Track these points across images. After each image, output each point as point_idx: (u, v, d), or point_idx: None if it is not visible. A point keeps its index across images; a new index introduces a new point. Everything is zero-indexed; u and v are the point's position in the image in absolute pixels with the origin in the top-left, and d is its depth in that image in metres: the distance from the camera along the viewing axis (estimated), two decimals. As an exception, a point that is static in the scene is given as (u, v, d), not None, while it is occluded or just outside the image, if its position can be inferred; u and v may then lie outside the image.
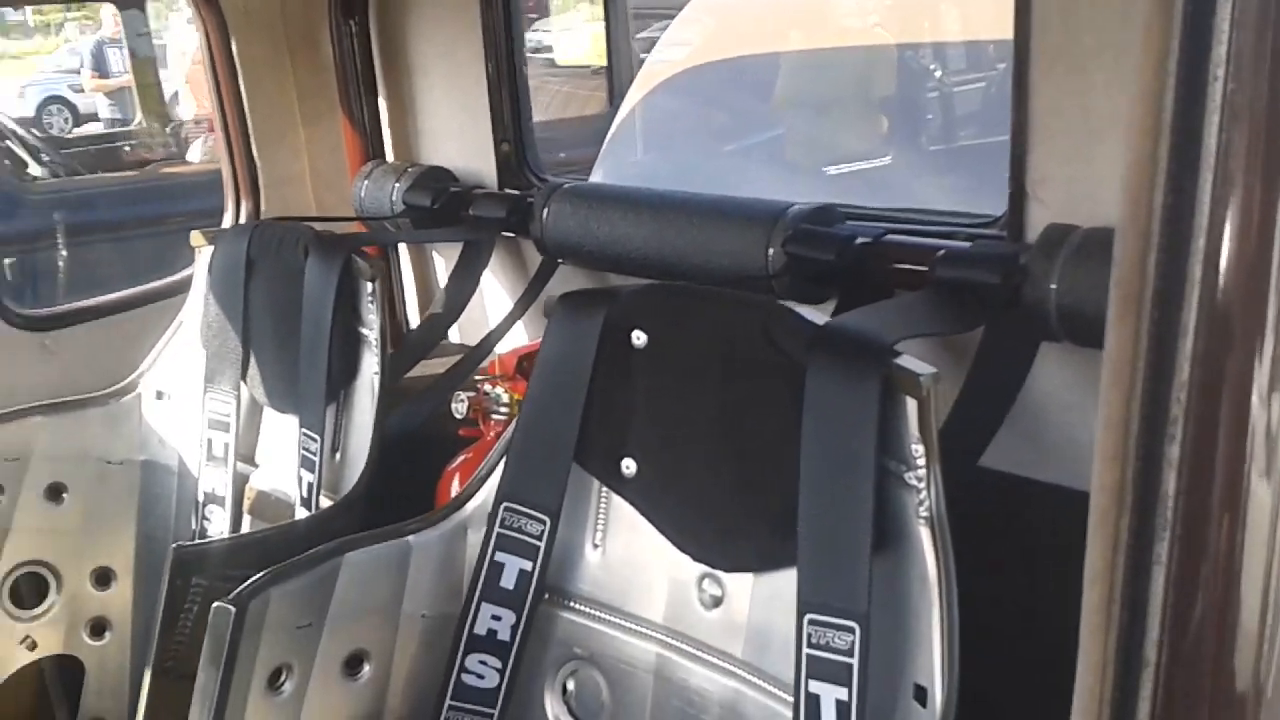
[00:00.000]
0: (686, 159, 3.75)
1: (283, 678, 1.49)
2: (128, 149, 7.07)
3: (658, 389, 1.46)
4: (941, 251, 1.55)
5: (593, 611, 1.56)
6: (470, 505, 1.60)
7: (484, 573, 1.55)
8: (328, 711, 1.54)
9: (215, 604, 1.39)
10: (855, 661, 1.21)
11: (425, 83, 2.46)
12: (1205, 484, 0.67)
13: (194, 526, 2.20)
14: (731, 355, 1.37)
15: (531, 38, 7.41)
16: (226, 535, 2.12)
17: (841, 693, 1.22)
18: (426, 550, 1.60)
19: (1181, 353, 0.64)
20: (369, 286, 1.88)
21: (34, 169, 5.76)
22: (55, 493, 2.23)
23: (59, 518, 2.23)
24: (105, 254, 4.37)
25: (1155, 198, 0.64)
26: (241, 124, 2.55)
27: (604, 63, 5.84)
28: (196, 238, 2.21)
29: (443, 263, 2.55)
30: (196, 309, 2.20)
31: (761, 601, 1.40)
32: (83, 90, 11.49)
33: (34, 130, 9.49)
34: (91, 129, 9.16)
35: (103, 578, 2.28)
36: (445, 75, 2.41)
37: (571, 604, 1.58)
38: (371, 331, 1.89)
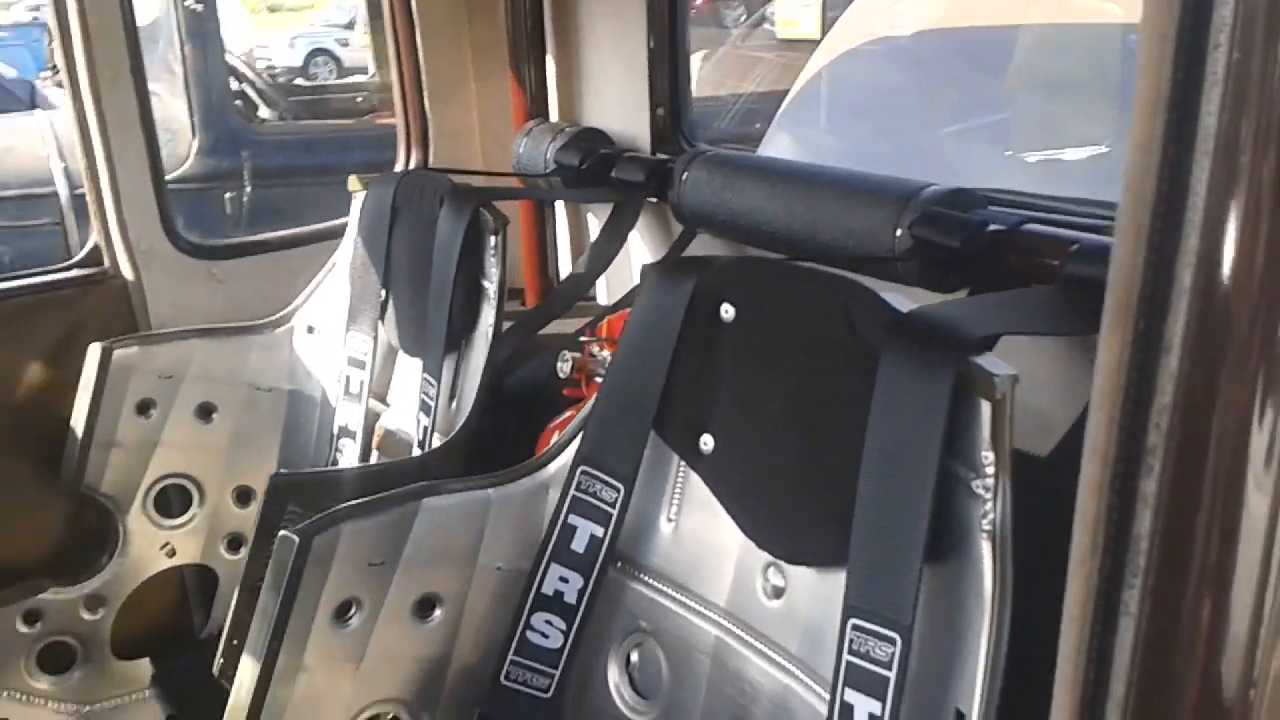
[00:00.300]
0: (878, 136, 3.59)
1: (351, 611, 1.51)
2: (358, 99, 7.42)
3: (741, 365, 1.41)
4: (1075, 245, 1.43)
5: (660, 586, 1.53)
6: (553, 466, 1.59)
7: (556, 534, 1.54)
8: (395, 649, 1.56)
9: (281, 533, 1.43)
10: (893, 676, 1.14)
11: (591, 44, 2.46)
12: (1184, 527, 0.57)
13: (328, 457, 2.29)
14: (812, 336, 1.30)
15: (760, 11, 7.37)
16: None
17: (875, 706, 1.15)
18: (506, 505, 1.60)
19: (1164, 371, 0.55)
20: (492, 240, 1.89)
21: (263, 112, 6.14)
22: (205, 412, 2.36)
23: (207, 436, 2.37)
24: (312, 194, 4.60)
25: (1150, 187, 0.54)
26: (416, 77, 2.62)
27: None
28: (354, 182, 2.28)
29: (596, 224, 2.55)
30: (348, 250, 2.27)
31: (821, 598, 1.33)
32: (347, 44, 12.24)
33: (300, 80, 10.11)
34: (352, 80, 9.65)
35: (243, 496, 2.40)
36: (609, 38, 2.40)
37: (641, 575, 1.55)
38: (491, 285, 1.90)
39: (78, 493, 2.27)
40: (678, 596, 1.51)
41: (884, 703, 1.14)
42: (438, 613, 1.59)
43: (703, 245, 2.09)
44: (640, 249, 2.39)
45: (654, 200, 2.22)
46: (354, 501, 1.51)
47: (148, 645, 2.41)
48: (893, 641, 1.14)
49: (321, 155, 5.22)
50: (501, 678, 1.57)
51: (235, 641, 1.63)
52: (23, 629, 2.25)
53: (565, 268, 2.65)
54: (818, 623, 1.33)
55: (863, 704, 1.16)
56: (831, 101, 3.46)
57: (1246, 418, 0.54)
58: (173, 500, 2.40)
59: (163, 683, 2.41)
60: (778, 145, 3.23)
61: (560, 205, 2.61)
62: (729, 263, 1.44)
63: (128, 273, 2.41)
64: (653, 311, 1.48)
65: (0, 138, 4.65)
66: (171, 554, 2.40)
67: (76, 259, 2.44)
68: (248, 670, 1.44)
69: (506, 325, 2.02)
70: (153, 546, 2.38)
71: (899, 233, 1.61)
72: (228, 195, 5.07)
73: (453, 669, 1.60)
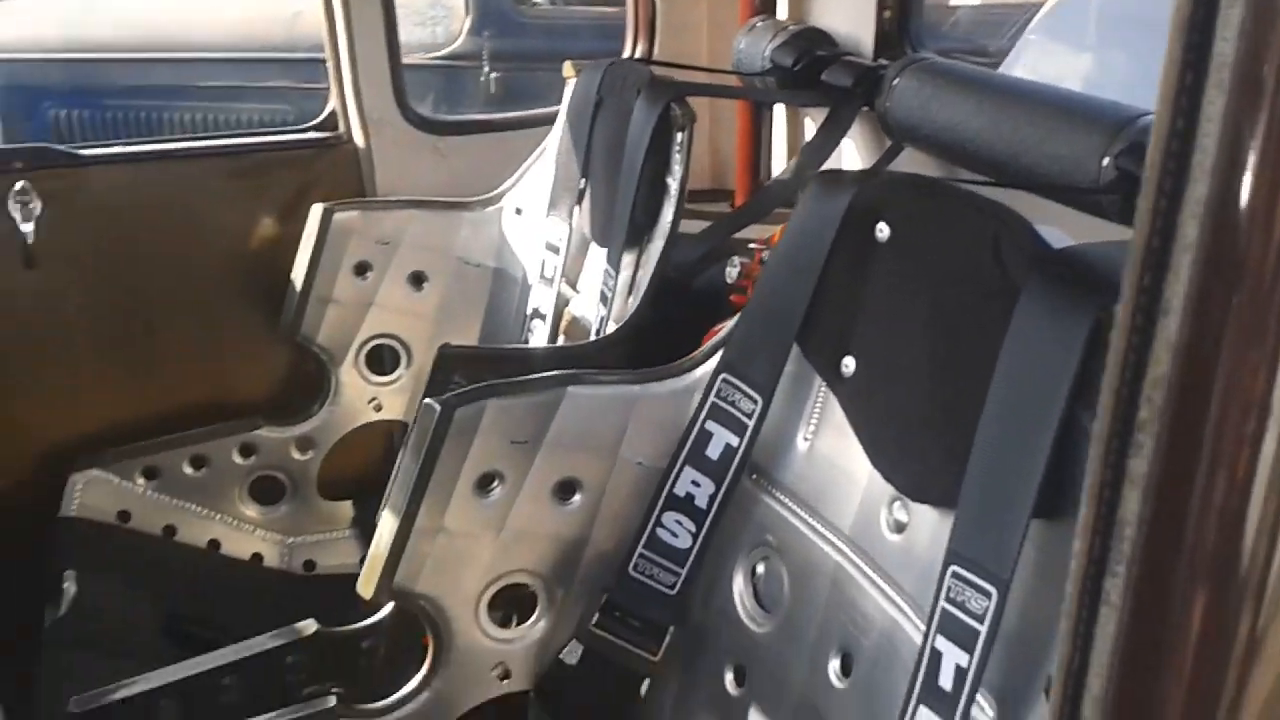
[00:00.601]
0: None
1: (493, 484, 1.57)
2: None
3: (890, 288, 1.34)
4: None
5: (790, 504, 1.51)
6: (698, 370, 1.58)
7: (692, 437, 1.54)
8: (534, 525, 1.62)
9: (425, 400, 1.50)
10: (984, 630, 1.08)
11: (825, -62, 2.35)
12: (1174, 513, 0.51)
13: (520, 337, 2.37)
14: (959, 264, 1.22)
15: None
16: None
17: (963, 658, 1.10)
18: (651, 402, 1.61)
19: (1162, 336, 0.48)
20: (679, 137, 1.87)
21: (537, -4, 6.24)
22: (417, 280, 2.49)
23: (417, 302, 2.49)
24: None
25: (1165, 120, 0.47)
26: (647, -34, 2.60)
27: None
28: (568, 68, 2.30)
29: (813, 129, 2.47)
30: (556, 136, 2.31)
31: (940, 540, 1.27)
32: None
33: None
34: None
35: (445, 362, 2.53)
36: (843, -69, 2.29)
37: (773, 490, 1.53)
38: (674, 181, 1.88)
39: (295, 342, 2.45)
40: (806, 517, 1.48)
41: (972, 655, 1.09)
42: (577, 497, 1.63)
43: (910, 162, 1.99)
44: (851, 159, 2.30)
45: (868, 109, 2.12)
46: (503, 380, 1.56)
47: (350, 489, 2.60)
48: (988, 595, 1.08)
49: (585, 41, 5.27)
50: (630, 568, 1.60)
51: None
52: (238, 460, 2.47)
53: (779, 171, 2.59)
54: (933, 564, 1.28)
55: (951, 653, 1.12)
56: (1103, 17, 3.14)
57: (1254, 396, 0.47)
58: (383, 358, 2.56)
59: (361, 524, 2.60)
60: (1024, 63, 2.99)
61: (779, 106, 2.54)
62: (889, 179, 1.37)
63: (359, 140, 2.55)
64: (808, 223, 1.42)
65: (290, 3, 4.95)
66: (378, 408, 2.57)
67: (313, 123, 2.60)
68: (387, 524, 1.53)
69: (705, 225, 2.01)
70: (361, 399, 2.55)
71: (1105, 162, 1.47)
72: (492, 75, 5.22)
73: (587, 553, 1.65)
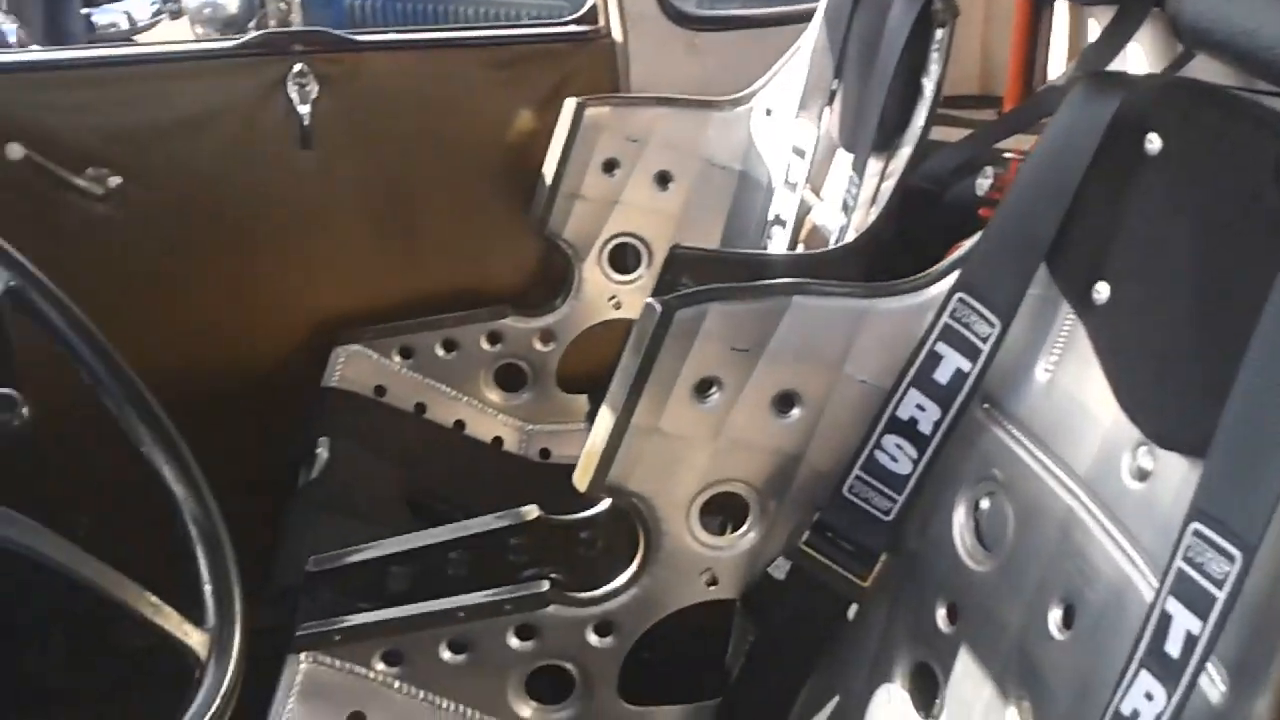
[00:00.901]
0: None
1: (711, 390, 1.54)
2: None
3: (1156, 208, 1.20)
4: None
5: (1021, 438, 1.40)
6: (933, 288, 1.48)
7: (920, 359, 1.45)
8: (751, 435, 1.58)
9: (647, 300, 1.47)
10: (1222, 598, 0.96)
11: None
12: None
13: (760, 244, 2.31)
14: (1233, 184, 1.07)
15: None
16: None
17: (1194, 625, 0.98)
18: (880, 318, 1.52)
19: None
20: (938, 34, 1.73)
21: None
22: (663, 180, 2.46)
23: (661, 202, 2.47)
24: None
25: None
26: None
27: None
28: (825, -43, 2.19)
29: (1097, 30, 2.25)
30: (813, 34, 2.20)
31: (1188, 493, 1.14)
32: None
33: None
34: None
35: (685, 265, 2.51)
36: None
37: (1003, 422, 1.42)
38: (929, 82, 1.76)
39: (544, 236, 2.49)
40: (1038, 454, 1.37)
41: (1205, 624, 0.98)
42: (796, 411, 1.57)
43: (1202, 72, 1.78)
44: (1137, 65, 2.07)
45: (1159, 8, 1.90)
46: (728, 285, 1.52)
47: (587, 383, 2.64)
48: (1232, 559, 0.96)
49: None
50: (845, 489, 1.54)
51: None
52: (486, 347, 2.56)
53: (1055, 76, 2.39)
54: (1176, 518, 1.15)
55: (1183, 618, 1.01)
56: None
57: None
58: (626, 257, 2.57)
59: (595, 418, 2.65)
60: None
61: (1061, 3, 2.32)
62: (1164, 84, 1.21)
63: (616, 34, 2.53)
64: (1069, 130, 1.29)
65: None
66: (617, 306, 2.59)
67: (574, 15, 2.60)
68: (604, 420, 1.54)
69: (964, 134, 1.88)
70: (601, 296, 2.58)
71: None
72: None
73: (802, 469, 1.60)
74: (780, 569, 1.59)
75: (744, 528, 1.64)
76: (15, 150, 2.29)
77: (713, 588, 1.66)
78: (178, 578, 1.49)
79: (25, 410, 1.79)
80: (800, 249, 2.18)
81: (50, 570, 1.27)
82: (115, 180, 2.40)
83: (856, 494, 1.54)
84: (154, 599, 1.35)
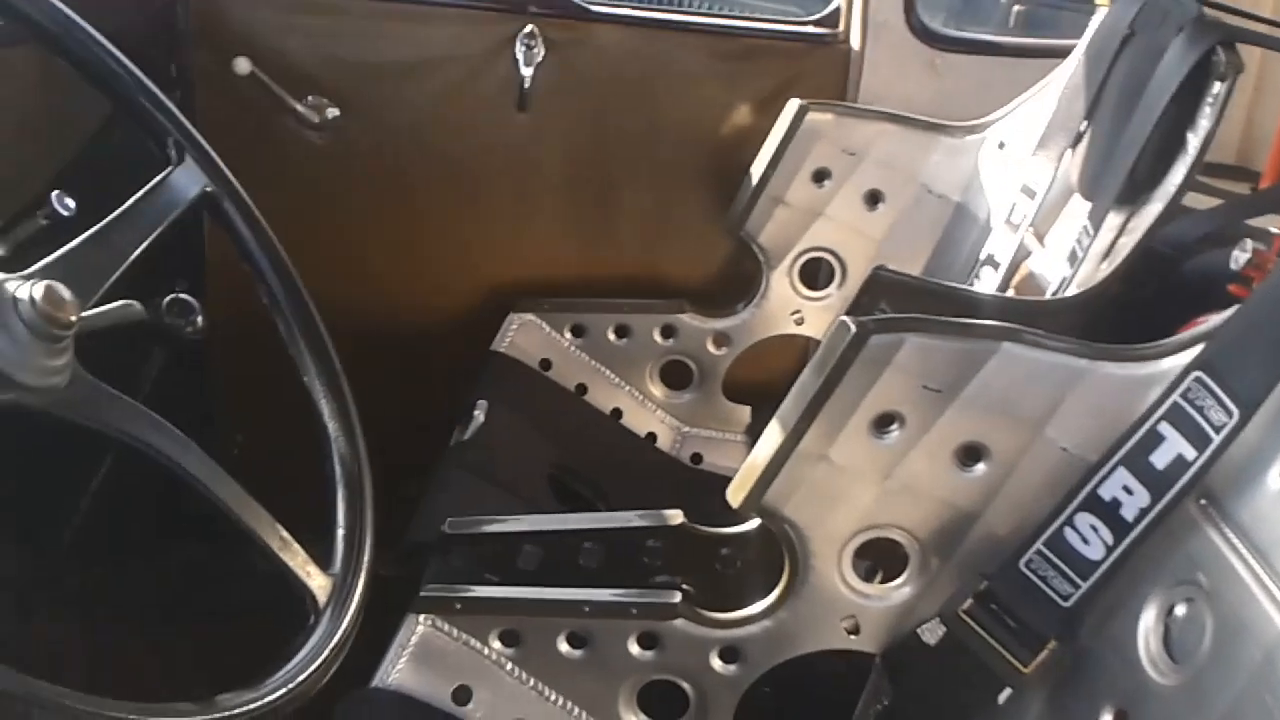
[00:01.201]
0: None
1: (892, 427, 1.42)
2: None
3: None
4: None
5: (1239, 545, 1.23)
6: (1165, 361, 1.33)
7: (1137, 436, 1.30)
8: (925, 483, 1.45)
9: (841, 318, 1.36)
10: None
11: None
12: None
13: (966, 281, 2.16)
14: None
15: None
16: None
17: None
18: (1098, 383, 1.37)
19: None
20: (1216, 87, 1.56)
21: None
22: (873, 199, 2.34)
23: (867, 221, 2.35)
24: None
25: None
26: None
27: None
28: (1101, -5, 2.02)
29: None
30: (1067, 70, 2.04)
31: None
32: None
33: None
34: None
35: (880, 290, 2.38)
36: None
37: (1221, 524, 1.25)
38: (1195, 138, 1.58)
39: (738, 236, 2.40)
40: (1255, 567, 1.20)
41: None
42: (981, 466, 1.44)
43: None
44: None
45: None
46: (932, 317, 1.40)
47: (753, 395, 2.54)
48: None
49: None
50: (1021, 561, 1.39)
51: None
52: (658, 339, 2.49)
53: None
54: None
55: None
56: None
57: None
58: (818, 273, 2.45)
59: (755, 433, 2.54)
60: None
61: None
62: None
63: (854, 41, 2.42)
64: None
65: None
66: (799, 322, 2.48)
67: (815, 17, 2.49)
68: (772, 437, 1.44)
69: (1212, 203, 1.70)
70: (784, 309, 2.47)
71: None
72: (1015, 7, 4.86)
73: (976, 528, 1.46)
74: (932, 633, 1.46)
75: (899, 580, 1.51)
76: (243, 65, 2.34)
77: (853, 637, 1.54)
78: (316, 515, 1.47)
79: (200, 319, 1.80)
80: (1010, 294, 2.03)
81: (185, 484, 1.25)
82: (333, 111, 2.43)
83: (1034, 569, 1.39)
84: (284, 533, 1.32)
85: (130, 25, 1.98)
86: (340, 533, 1.43)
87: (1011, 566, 1.40)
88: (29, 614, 2.05)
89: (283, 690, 1.16)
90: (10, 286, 1.12)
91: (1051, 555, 1.38)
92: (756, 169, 2.34)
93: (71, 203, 1.95)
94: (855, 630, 1.54)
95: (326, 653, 1.25)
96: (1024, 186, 2.03)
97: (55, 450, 1.59)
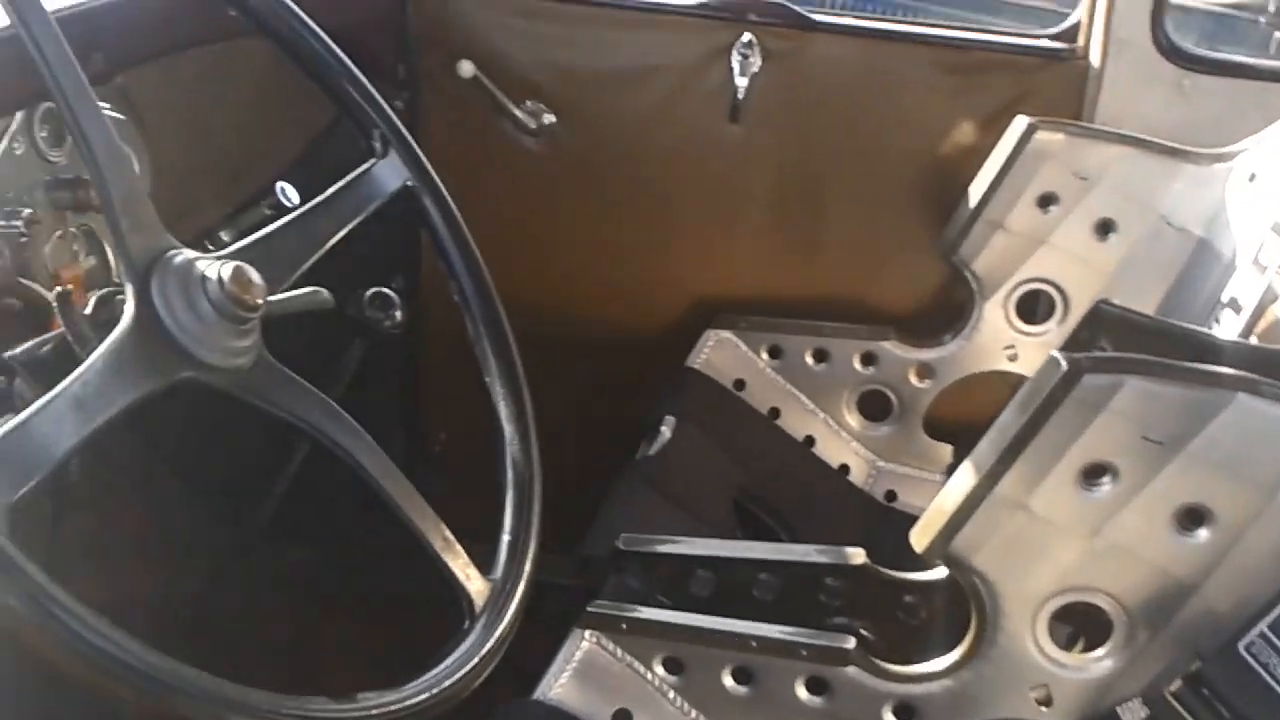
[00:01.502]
0: None
1: (1103, 479, 1.28)
2: None
3: None
4: None
5: None
6: None
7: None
8: (1137, 546, 1.31)
9: (1052, 352, 1.24)
10: None
11: None
12: None
13: (1204, 324, 1.96)
14: None
15: None
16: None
17: None
18: (1353, 448, 1.20)
19: None
20: None
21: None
22: (1104, 228, 2.15)
23: (1096, 252, 2.17)
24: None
25: None
26: None
27: None
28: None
29: None
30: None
31: None
32: None
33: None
34: None
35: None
36: None
37: None
38: None
39: (949, 262, 2.26)
40: None
41: None
42: (1203, 532, 1.28)
43: None
44: None
45: None
46: (1157, 359, 1.25)
47: (956, 433, 2.39)
48: None
49: None
50: (1241, 643, 1.24)
51: None
52: (858, 367, 2.37)
53: None
54: None
55: None
56: None
57: None
58: (1037, 306, 2.28)
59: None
60: None
61: None
62: None
63: (1094, 58, 2.25)
64: None
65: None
66: (1013, 358, 2.31)
67: (1052, 31, 2.34)
68: (965, 478, 1.32)
69: None
70: (997, 343, 2.30)
71: None
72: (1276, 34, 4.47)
73: (1193, 602, 1.30)
74: (1133, 713, 1.31)
75: (1100, 651, 1.37)
76: (466, 68, 2.38)
77: (1043, 709, 1.40)
78: (488, 517, 1.45)
79: (399, 314, 1.82)
80: (1253, 342, 1.82)
81: (357, 476, 1.25)
82: (549, 118, 2.44)
83: (1255, 654, 1.23)
84: (447, 533, 1.30)
85: (358, 25, 2.04)
86: (505, 539, 1.40)
87: (1230, 648, 1.24)
88: (221, 587, 2.14)
89: (424, 695, 1.14)
90: (200, 265, 1.15)
91: (1277, 640, 1.21)
92: (976, 190, 2.20)
93: (295, 195, 2.02)
94: (1047, 702, 1.40)
95: (475, 661, 1.22)
96: (1275, 224, 1.82)
97: (260, 432, 1.64)
